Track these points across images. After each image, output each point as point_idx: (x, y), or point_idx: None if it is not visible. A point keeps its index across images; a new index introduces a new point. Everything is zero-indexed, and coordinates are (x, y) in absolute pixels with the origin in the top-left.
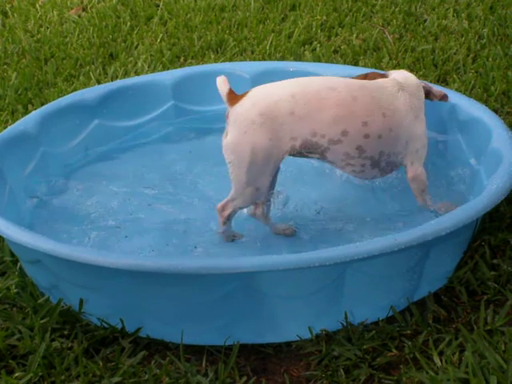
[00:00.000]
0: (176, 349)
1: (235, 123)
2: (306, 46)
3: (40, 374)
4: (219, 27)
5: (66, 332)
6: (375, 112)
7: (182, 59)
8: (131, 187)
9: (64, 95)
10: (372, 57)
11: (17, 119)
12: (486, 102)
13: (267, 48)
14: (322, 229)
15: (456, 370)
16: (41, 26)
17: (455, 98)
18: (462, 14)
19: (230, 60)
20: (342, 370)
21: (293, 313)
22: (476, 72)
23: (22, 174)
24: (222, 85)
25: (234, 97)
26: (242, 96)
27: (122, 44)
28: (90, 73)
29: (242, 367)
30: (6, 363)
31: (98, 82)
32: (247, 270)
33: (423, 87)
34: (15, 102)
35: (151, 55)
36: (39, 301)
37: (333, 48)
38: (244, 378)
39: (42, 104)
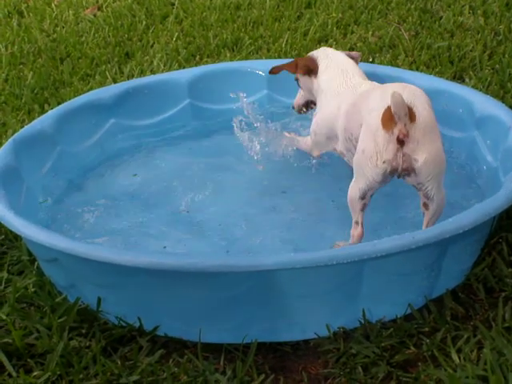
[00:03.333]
0: (194, 347)
1: (430, 134)
2: (322, 44)
3: (58, 372)
4: (235, 25)
5: (83, 331)
6: None
7: (197, 58)
8: (147, 186)
9: (80, 94)
10: (388, 54)
11: (33, 118)
12: (502, 99)
13: (283, 46)
14: None
15: (474, 367)
16: (56, 26)
17: (472, 94)
18: (478, 11)
19: (246, 58)
20: (360, 368)
21: (310, 311)
22: (492, 69)
23: (39, 173)
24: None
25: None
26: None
27: (138, 43)
28: (106, 72)
29: (259, 365)
30: (25, 362)
31: (114, 81)
32: (265, 268)
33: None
34: (31, 101)
35: (167, 54)
36: (57, 300)
37: (348, 45)
38: (262, 376)
39: (59, 103)
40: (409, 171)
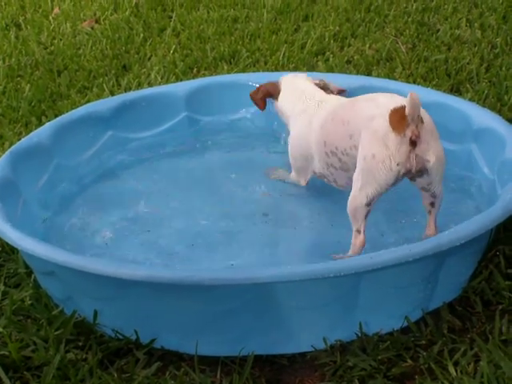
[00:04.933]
0: (190, 360)
1: (435, 134)
2: (319, 57)
3: None
4: (232, 38)
5: (80, 343)
6: None
7: (195, 70)
8: (145, 199)
9: (77, 107)
10: (385, 67)
11: (30, 131)
12: (499, 112)
13: (280, 59)
14: None
15: (471, 380)
16: (54, 38)
17: (469, 107)
18: (475, 24)
19: (243, 71)
20: (356, 381)
21: (307, 323)
22: (489, 81)
23: (36, 186)
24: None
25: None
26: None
27: (135, 56)
28: (104, 84)
29: (256, 378)
30: (21, 375)
31: (112, 94)
32: (262, 280)
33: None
34: (29, 113)
35: (164, 66)
36: (53, 312)
37: (346, 58)
38: None
39: (56, 116)
40: (422, 172)
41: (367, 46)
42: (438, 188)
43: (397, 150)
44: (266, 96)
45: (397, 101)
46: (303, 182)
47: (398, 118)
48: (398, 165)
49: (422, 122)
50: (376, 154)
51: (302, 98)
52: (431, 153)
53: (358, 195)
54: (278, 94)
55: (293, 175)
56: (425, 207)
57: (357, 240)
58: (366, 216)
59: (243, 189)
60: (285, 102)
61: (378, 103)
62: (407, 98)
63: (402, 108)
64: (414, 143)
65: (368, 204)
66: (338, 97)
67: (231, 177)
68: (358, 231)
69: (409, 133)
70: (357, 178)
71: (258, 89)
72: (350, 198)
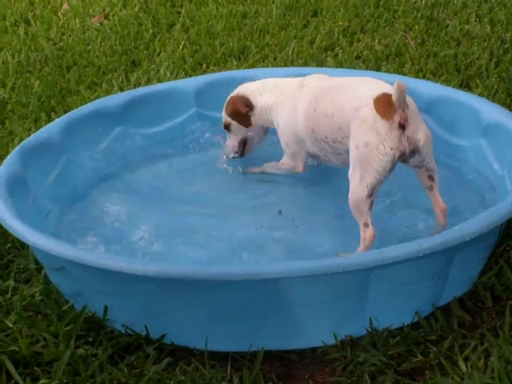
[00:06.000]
0: (201, 355)
1: (418, 114)
2: (328, 52)
3: (65, 381)
4: (241, 34)
5: (90, 339)
6: None
7: (204, 66)
8: (154, 195)
9: (87, 103)
10: (394, 62)
11: (40, 127)
12: (509, 107)
13: (289, 54)
14: None
15: (482, 375)
16: (63, 34)
17: (478, 102)
18: (485, 19)
19: (253, 66)
20: (367, 376)
21: (317, 319)
22: (499, 77)
23: (46, 182)
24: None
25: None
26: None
27: (145, 51)
28: (113, 80)
29: (266, 373)
30: (31, 370)
31: (121, 90)
32: (271, 276)
33: None
34: (38, 109)
35: (173, 62)
36: (64, 308)
37: (355, 54)
38: None
39: (65, 112)
40: (414, 152)
41: (376, 41)
42: (431, 162)
43: (388, 136)
44: (245, 109)
45: (376, 88)
46: (300, 167)
47: (384, 105)
48: (391, 149)
49: (407, 105)
50: (369, 141)
51: (277, 88)
52: (420, 132)
53: (358, 188)
54: (251, 102)
55: (287, 162)
56: (425, 186)
57: (366, 234)
58: (370, 208)
59: (255, 182)
60: (265, 100)
61: (359, 94)
62: (394, 87)
63: (385, 95)
64: (402, 127)
65: (370, 195)
66: (317, 76)
67: (239, 169)
68: (366, 225)
69: (397, 117)
70: (353, 172)
71: (231, 109)
72: (349, 193)
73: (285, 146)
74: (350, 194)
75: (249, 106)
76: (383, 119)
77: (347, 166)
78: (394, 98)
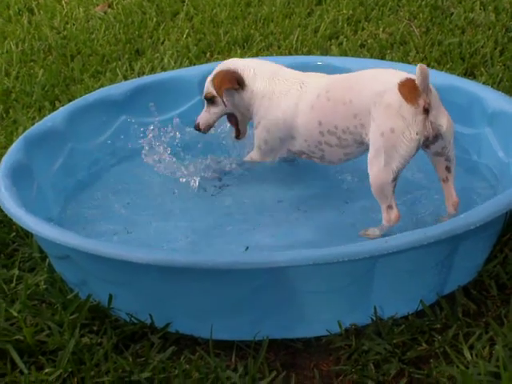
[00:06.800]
0: (205, 344)
1: (440, 100)
2: (333, 41)
3: (70, 369)
4: (245, 22)
5: (95, 328)
6: None
7: (208, 55)
8: (158, 183)
9: (91, 91)
10: (399, 51)
11: (44, 116)
12: None
13: (293, 43)
14: None
15: (487, 363)
16: (67, 23)
17: (483, 91)
18: (489, 7)
19: (257, 55)
20: (371, 365)
21: (322, 307)
22: (503, 65)
23: (50, 171)
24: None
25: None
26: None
27: (148, 40)
28: (117, 69)
29: (271, 362)
30: (36, 359)
31: (125, 78)
32: (277, 264)
33: None
34: (42, 98)
35: (177, 51)
36: (68, 297)
37: (359, 42)
38: (274, 373)
39: (69, 100)
40: (437, 137)
41: (381, 29)
42: (451, 151)
43: (414, 121)
44: (235, 85)
45: (398, 75)
46: (270, 161)
47: (409, 90)
48: (417, 134)
49: (430, 90)
50: (395, 127)
51: (277, 79)
52: (442, 117)
53: (382, 173)
54: (243, 80)
55: (255, 158)
56: (440, 177)
57: (391, 215)
58: (393, 191)
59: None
60: (260, 86)
61: (382, 79)
62: (416, 70)
63: (409, 80)
64: (426, 111)
65: (394, 179)
66: (317, 74)
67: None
68: (390, 207)
69: (422, 102)
70: (376, 156)
71: (217, 83)
72: (371, 178)
73: (262, 142)
74: (372, 179)
75: (240, 84)
76: (409, 104)
77: (336, 163)
78: (417, 82)
